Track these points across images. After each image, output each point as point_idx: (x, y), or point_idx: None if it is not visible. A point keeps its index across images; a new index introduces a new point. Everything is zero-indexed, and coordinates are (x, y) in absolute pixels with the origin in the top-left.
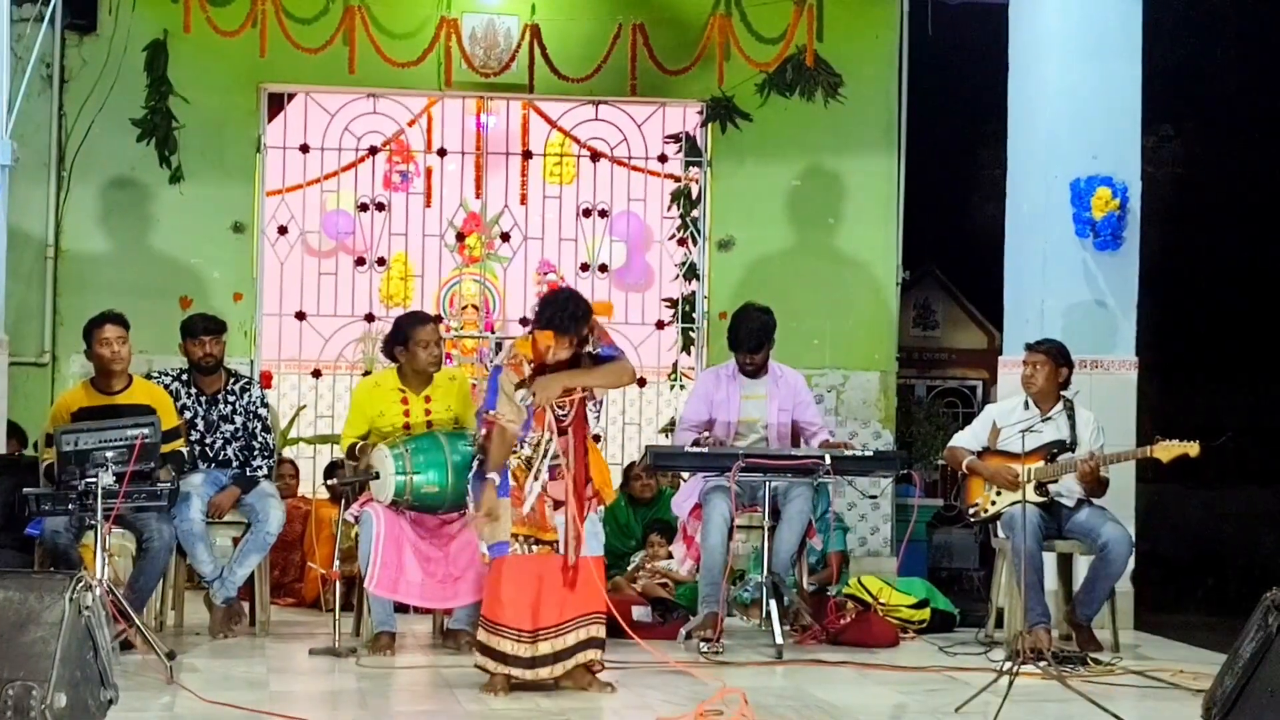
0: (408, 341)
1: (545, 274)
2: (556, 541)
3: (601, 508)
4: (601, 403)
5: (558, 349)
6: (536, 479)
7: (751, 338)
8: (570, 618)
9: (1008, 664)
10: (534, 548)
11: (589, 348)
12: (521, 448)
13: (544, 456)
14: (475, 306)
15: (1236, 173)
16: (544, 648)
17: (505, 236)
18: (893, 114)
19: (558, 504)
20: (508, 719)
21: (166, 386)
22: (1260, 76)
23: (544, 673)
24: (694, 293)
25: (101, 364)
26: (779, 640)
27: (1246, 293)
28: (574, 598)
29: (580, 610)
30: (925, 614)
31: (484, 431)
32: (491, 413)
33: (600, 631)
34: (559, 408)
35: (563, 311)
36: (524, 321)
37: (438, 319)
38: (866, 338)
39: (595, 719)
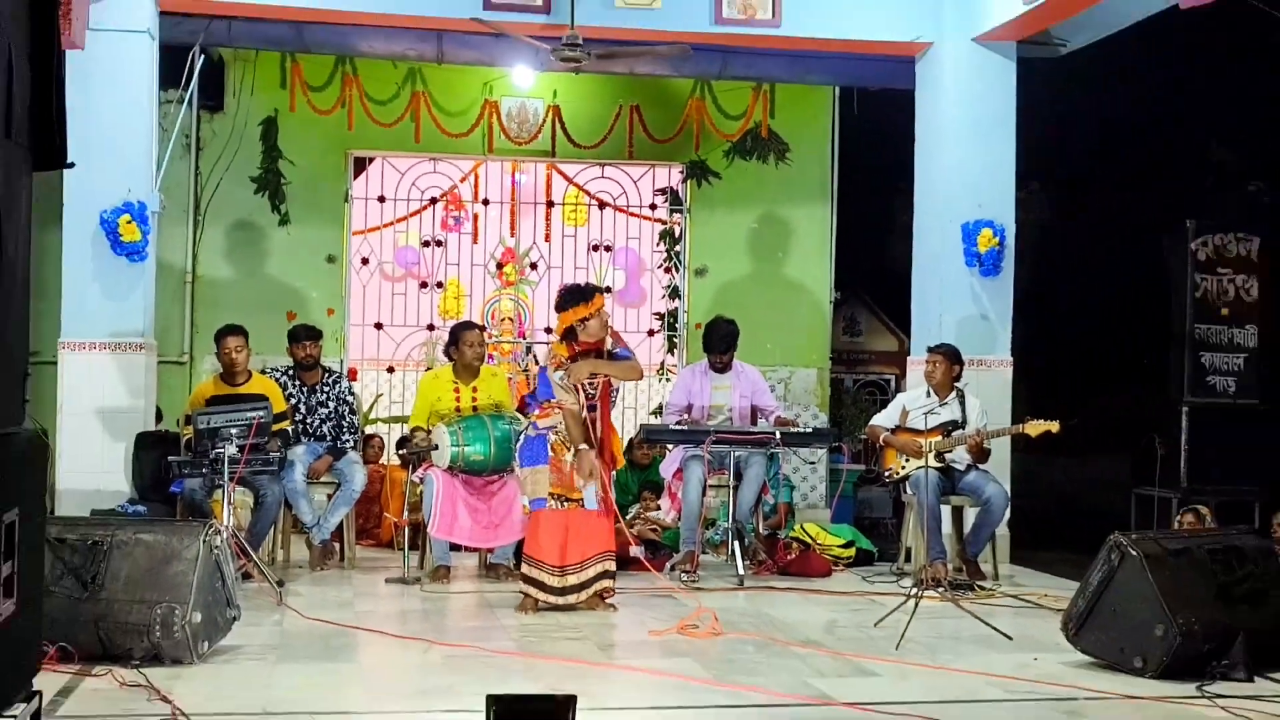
0: (458, 342)
1: None
2: (581, 499)
3: (613, 471)
4: (618, 390)
5: (590, 313)
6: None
7: (720, 342)
8: (589, 556)
9: (914, 590)
10: (564, 504)
11: (609, 347)
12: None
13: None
14: (511, 319)
15: (1086, 219)
16: (570, 579)
17: (533, 266)
18: (826, 174)
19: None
20: (535, 631)
21: (277, 380)
22: (1104, 146)
23: (571, 598)
24: (677, 308)
25: (226, 365)
26: (741, 571)
27: (1094, 309)
28: (593, 540)
29: (597, 550)
30: (851, 552)
31: (538, 411)
32: (552, 400)
33: (611, 566)
34: (590, 386)
35: (579, 289)
36: (548, 330)
37: (481, 328)
38: (807, 343)
39: (602, 632)
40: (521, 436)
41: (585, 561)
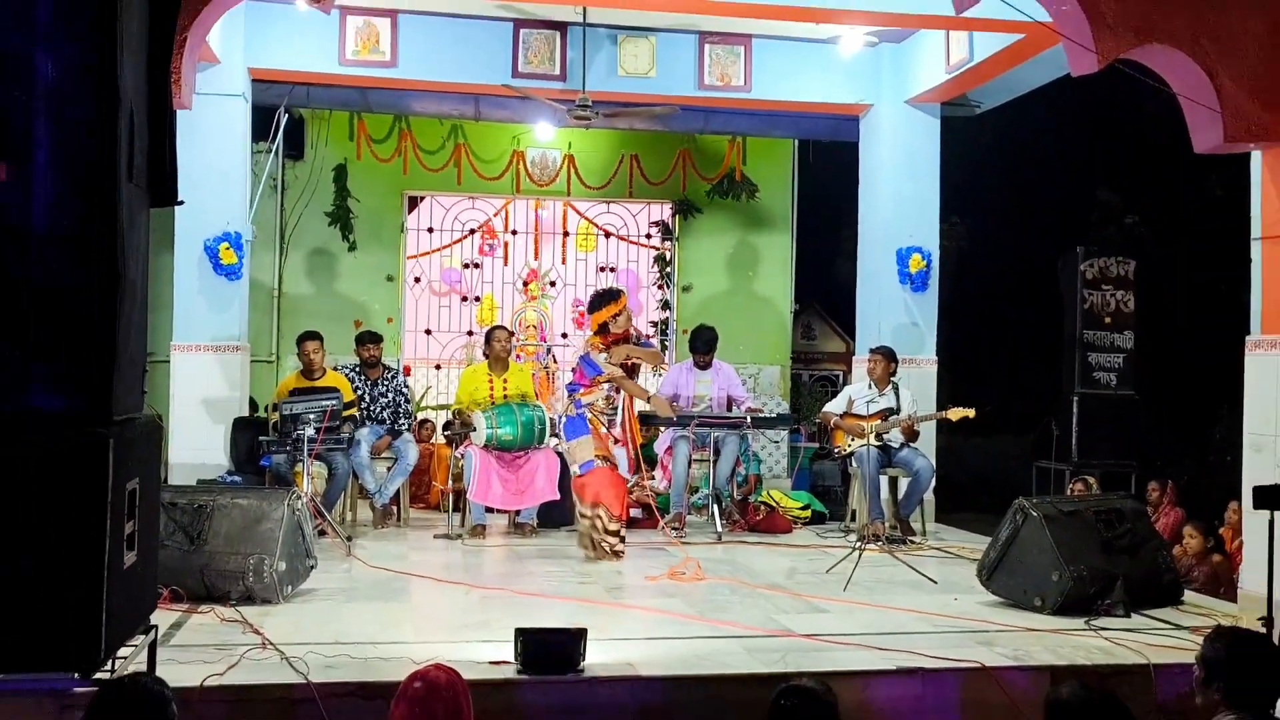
0: (489, 340)
1: (576, 306)
2: (614, 462)
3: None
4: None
5: (619, 309)
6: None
7: (703, 345)
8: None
9: (858, 543)
10: (606, 463)
11: (634, 338)
12: (592, 406)
13: (612, 410)
14: (534, 326)
15: (996, 246)
16: (619, 529)
17: (552, 283)
18: (788, 210)
19: (617, 440)
20: (555, 577)
21: (346, 375)
22: (1010, 188)
23: (620, 545)
24: (668, 318)
25: (306, 364)
26: (719, 529)
27: (1003, 318)
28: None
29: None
30: (808, 513)
31: (583, 390)
32: (601, 375)
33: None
34: (626, 364)
35: (607, 292)
36: (564, 335)
37: (509, 331)
38: (772, 345)
39: (610, 577)
40: (564, 418)
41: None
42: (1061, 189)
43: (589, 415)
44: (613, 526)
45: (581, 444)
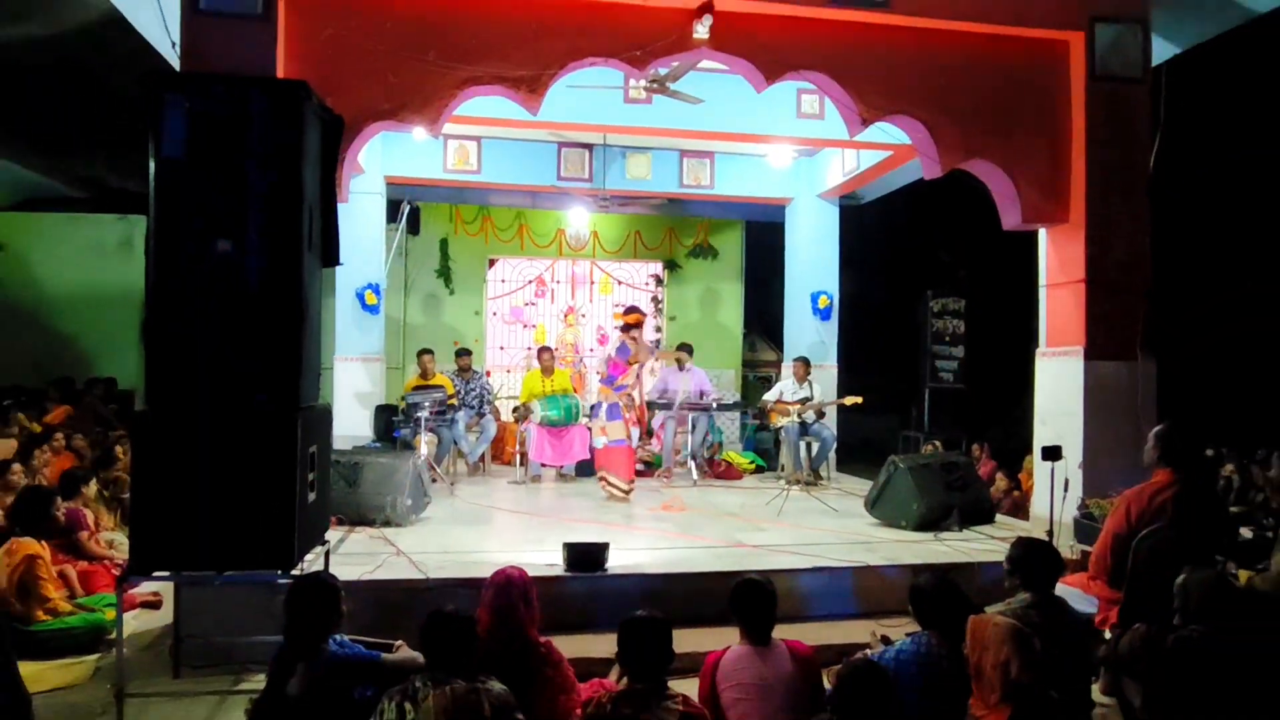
0: (539, 357)
1: (599, 331)
2: (630, 440)
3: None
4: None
5: (642, 320)
6: (629, 410)
7: (685, 350)
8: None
9: (785, 487)
10: (625, 442)
11: (651, 347)
12: (621, 393)
13: (631, 400)
14: (571, 345)
15: (877, 289)
16: (626, 485)
17: (583, 316)
18: (740, 267)
19: (636, 423)
20: (588, 510)
21: (449, 377)
22: (884, 250)
23: (630, 495)
24: (659, 338)
25: (422, 370)
26: (695, 478)
27: (883, 337)
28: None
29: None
30: (753, 467)
31: (621, 376)
32: (630, 355)
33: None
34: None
35: (637, 308)
36: (591, 350)
37: (551, 350)
38: (729, 356)
39: (624, 509)
40: (605, 405)
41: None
42: (917, 252)
43: (623, 404)
44: (624, 486)
45: (615, 426)
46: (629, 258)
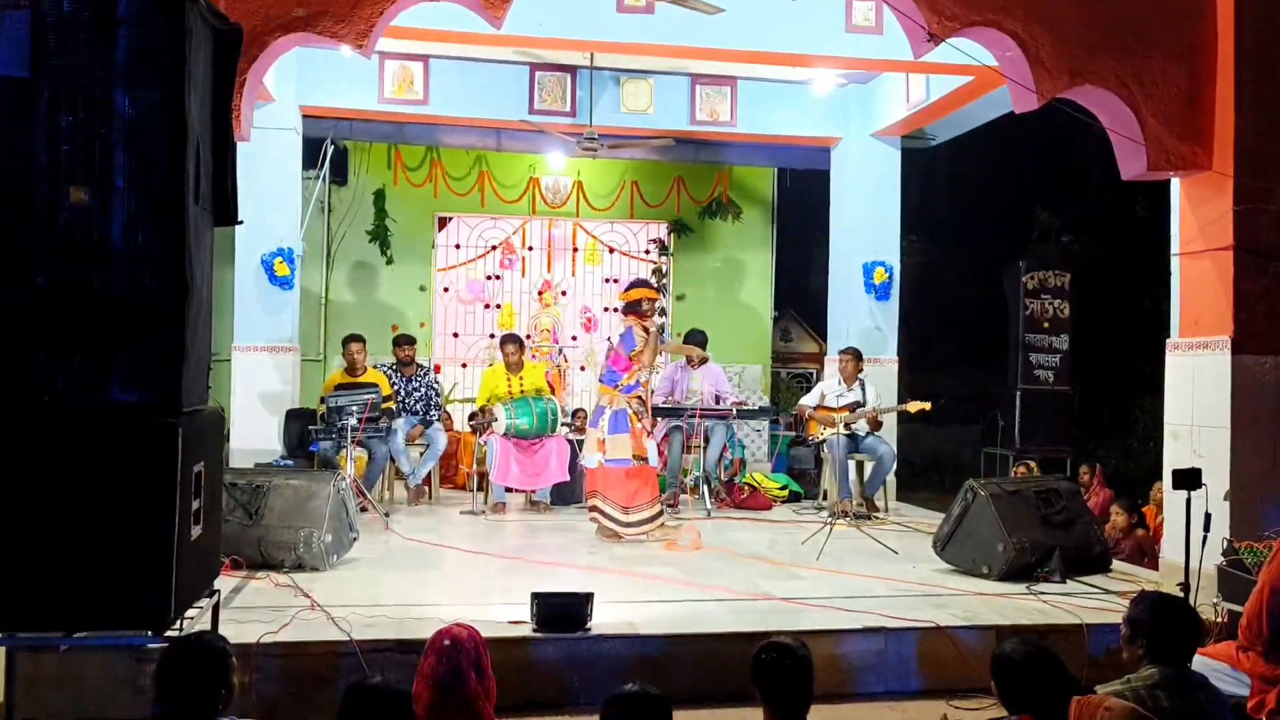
0: (503, 349)
1: (585, 313)
2: (646, 457)
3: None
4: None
5: (652, 296)
6: (639, 420)
7: (696, 342)
8: (647, 500)
9: (829, 519)
10: (638, 462)
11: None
12: (631, 401)
13: (642, 406)
14: (547, 330)
15: (950, 260)
16: (632, 517)
17: (563, 293)
18: (769, 229)
19: (649, 433)
20: (565, 549)
21: (384, 372)
22: (961, 208)
23: (634, 530)
24: (664, 324)
25: (350, 362)
26: (708, 506)
27: (956, 322)
28: (650, 491)
29: (651, 497)
30: (786, 493)
31: (626, 376)
32: (637, 348)
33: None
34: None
35: (645, 280)
36: (574, 338)
37: (519, 339)
38: (755, 347)
39: (614, 548)
40: (607, 411)
41: (644, 505)
42: (1006, 211)
43: (630, 411)
44: (619, 516)
45: (619, 441)
46: (623, 218)
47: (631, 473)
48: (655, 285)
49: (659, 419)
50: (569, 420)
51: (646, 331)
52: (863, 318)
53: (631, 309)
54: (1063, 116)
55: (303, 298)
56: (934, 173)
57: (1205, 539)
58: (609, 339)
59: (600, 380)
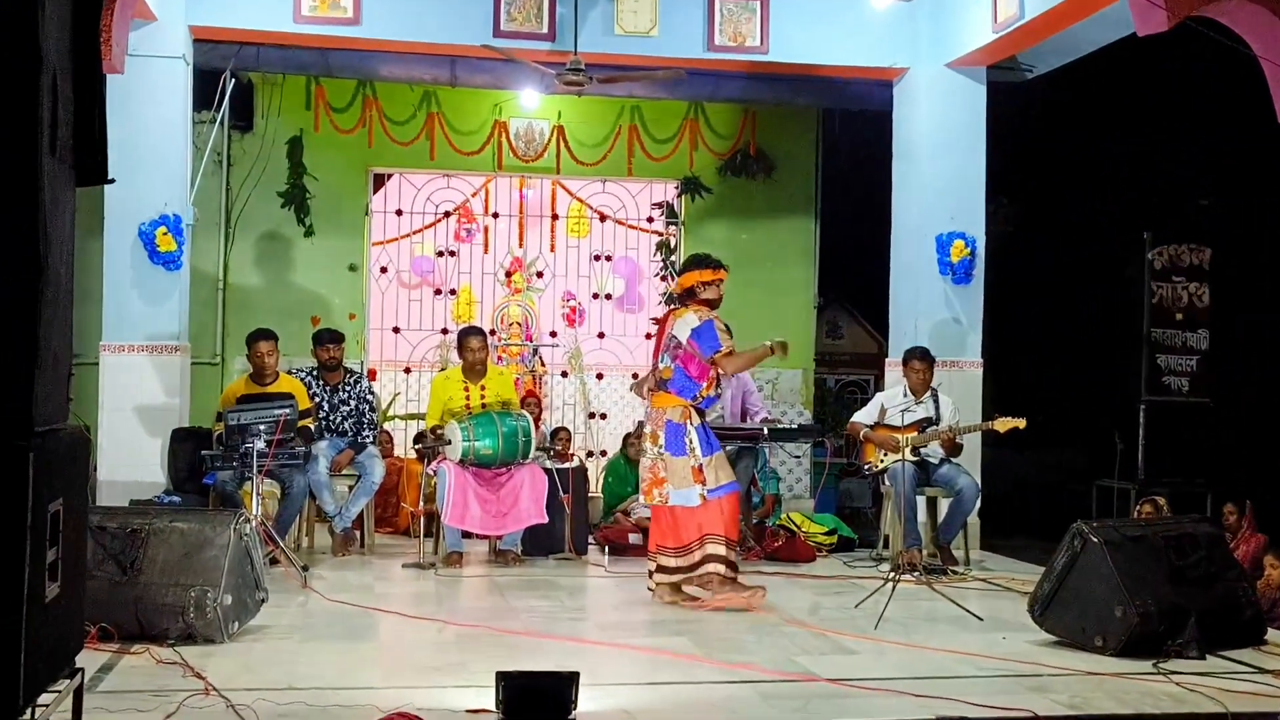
0: (461, 347)
1: (568, 300)
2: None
3: None
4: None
5: (716, 278)
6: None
7: None
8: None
9: (892, 574)
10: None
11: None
12: (709, 409)
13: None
14: (519, 323)
15: (1050, 230)
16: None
17: (539, 274)
18: (811, 189)
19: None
20: (540, 613)
21: (303, 380)
22: (1065, 163)
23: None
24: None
25: (257, 366)
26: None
27: (1058, 314)
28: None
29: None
30: (833, 539)
31: (706, 386)
32: (720, 350)
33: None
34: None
35: (708, 258)
36: (553, 334)
37: (483, 334)
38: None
39: (606, 612)
40: (689, 427)
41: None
42: (1126, 165)
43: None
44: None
45: (721, 463)
46: (619, 175)
47: (728, 506)
48: (718, 261)
49: None
50: (547, 444)
51: (718, 319)
52: (936, 307)
53: (689, 296)
54: (1201, 42)
55: (194, 281)
56: (1030, 115)
57: None
58: (678, 338)
59: (665, 387)
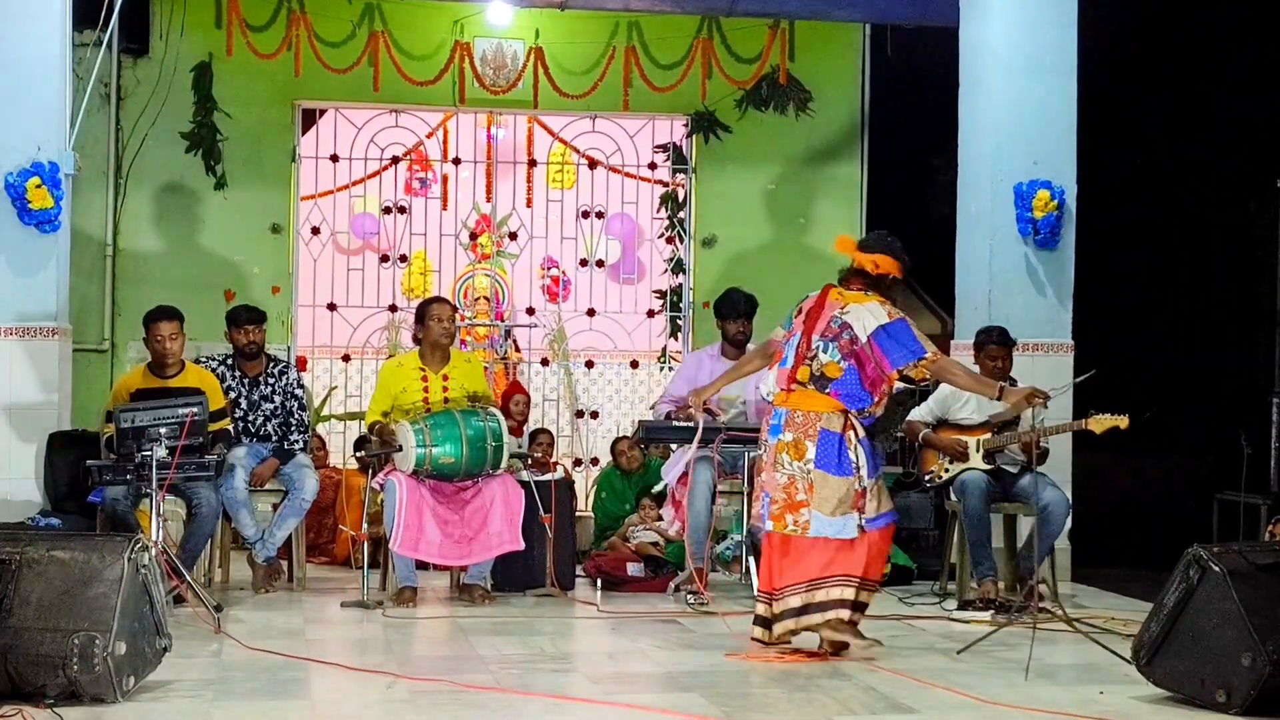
0: (424, 318)
1: (549, 269)
2: None
3: None
4: None
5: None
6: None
7: (745, 302)
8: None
9: (961, 613)
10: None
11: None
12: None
13: None
14: (486, 298)
15: (1161, 178)
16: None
17: (513, 236)
18: (856, 126)
19: None
20: (516, 663)
21: (214, 370)
22: (1183, 91)
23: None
24: (680, 285)
25: (157, 354)
26: (755, 591)
27: (1170, 284)
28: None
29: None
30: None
31: (880, 376)
32: (929, 356)
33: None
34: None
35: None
36: (530, 310)
37: (454, 308)
38: None
39: (597, 661)
40: (853, 437)
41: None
42: (1255, 95)
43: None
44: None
45: (882, 490)
46: (612, 109)
47: (880, 541)
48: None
49: (673, 445)
50: (522, 450)
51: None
52: (1015, 277)
53: (875, 284)
54: None
55: (75, 247)
56: (1134, 29)
57: None
58: (853, 327)
59: (824, 386)
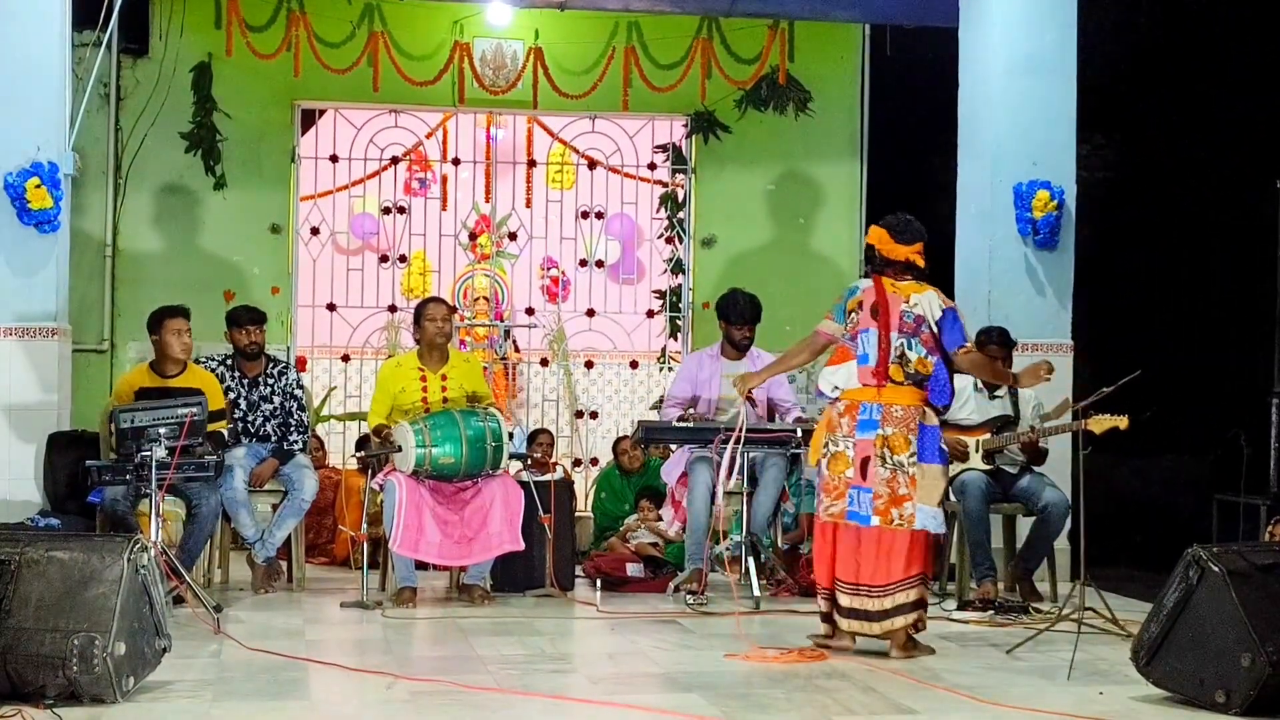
0: (420, 319)
1: (548, 269)
2: None
3: None
4: None
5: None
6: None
7: (749, 307)
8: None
9: (959, 613)
10: None
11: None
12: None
13: None
14: (486, 299)
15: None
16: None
17: (512, 236)
18: (856, 126)
19: None
20: (517, 664)
21: (214, 371)
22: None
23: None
24: (680, 285)
25: (167, 351)
26: (757, 593)
27: (1170, 284)
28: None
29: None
30: None
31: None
32: (968, 345)
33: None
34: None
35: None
36: (530, 311)
37: (451, 307)
38: None
39: (597, 661)
40: (920, 427)
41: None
42: (1255, 95)
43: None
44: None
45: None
46: (612, 109)
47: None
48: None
49: (673, 446)
50: (521, 449)
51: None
52: (1014, 276)
53: (911, 270)
54: None
55: (75, 247)
56: (1135, 27)
57: None
58: (927, 318)
59: (920, 383)
